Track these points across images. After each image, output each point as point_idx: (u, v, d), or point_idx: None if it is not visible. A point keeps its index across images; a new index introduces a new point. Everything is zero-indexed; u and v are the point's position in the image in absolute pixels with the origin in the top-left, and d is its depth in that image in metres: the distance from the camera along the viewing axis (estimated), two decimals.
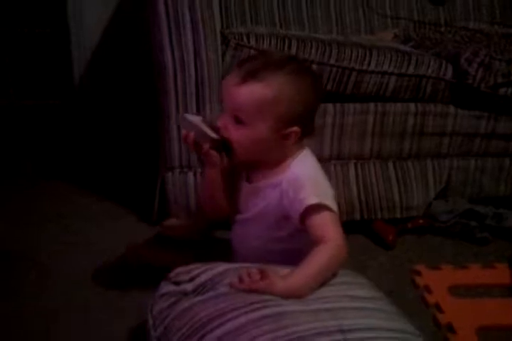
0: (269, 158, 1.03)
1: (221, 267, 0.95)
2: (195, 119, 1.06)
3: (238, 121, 0.98)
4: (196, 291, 0.92)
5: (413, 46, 1.73)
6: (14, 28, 2.18)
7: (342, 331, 0.77)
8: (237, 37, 1.38)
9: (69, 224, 1.52)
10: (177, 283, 0.95)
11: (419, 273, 1.40)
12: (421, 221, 1.58)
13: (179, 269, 0.98)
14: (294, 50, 1.39)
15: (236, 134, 0.99)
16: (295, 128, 0.99)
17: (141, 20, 1.96)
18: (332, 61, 1.42)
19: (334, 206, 0.98)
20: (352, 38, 1.73)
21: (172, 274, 0.97)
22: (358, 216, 1.55)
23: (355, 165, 1.55)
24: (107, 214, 1.58)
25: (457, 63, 1.49)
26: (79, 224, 1.52)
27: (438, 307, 1.27)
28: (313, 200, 0.95)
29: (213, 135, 1.01)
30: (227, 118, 1.00)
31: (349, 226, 1.54)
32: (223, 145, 1.02)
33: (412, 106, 1.52)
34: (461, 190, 1.63)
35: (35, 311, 1.16)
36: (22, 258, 1.35)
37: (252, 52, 1.37)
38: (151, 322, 0.91)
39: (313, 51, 1.41)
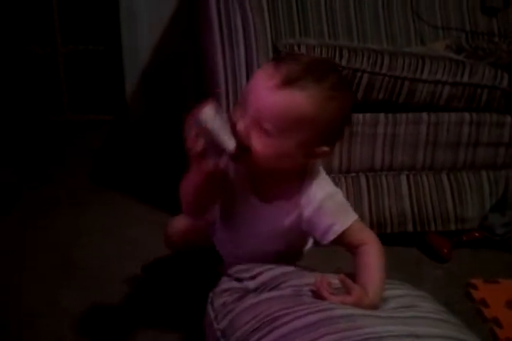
0: (287, 172, 0.93)
1: (281, 268, 0.96)
2: (214, 121, 0.84)
3: (262, 127, 0.85)
4: (259, 289, 0.93)
5: (466, 56, 1.69)
6: (69, 44, 2.26)
7: (417, 336, 0.75)
8: (288, 47, 1.39)
9: (126, 234, 1.55)
10: (239, 280, 0.96)
11: (475, 287, 1.36)
12: (476, 234, 1.54)
13: (239, 266, 0.99)
14: (345, 60, 1.38)
15: (257, 142, 0.86)
16: (326, 149, 0.89)
17: (193, 36, 2.02)
18: (384, 70, 1.40)
19: (353, 212, 0.96)
20: (403, 48, 1.71)
21: (232, 271, 0.98)
22: (410, 228, 1.52)
23: (408, 176, 1.52)
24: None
25: None
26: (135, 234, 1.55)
27: (496, 321, 1.23)
28: (344, 226, 0.92)
29: (231, 144, 0.85)
30: (249, 124, 0.86)
31: (402, 238, 1.54)
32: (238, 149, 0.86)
33: (466, 115, 1.49)
34: None
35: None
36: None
37: None
38: (212, 315, 0.92)
39: (364, 60, 1.40)
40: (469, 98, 1.47)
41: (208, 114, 0.84)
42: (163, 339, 1.13)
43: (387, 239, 1.49)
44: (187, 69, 2.14)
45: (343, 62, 1.38)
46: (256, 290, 0.93)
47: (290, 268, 0.97)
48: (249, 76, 1.35)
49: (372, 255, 0.92)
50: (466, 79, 1.45)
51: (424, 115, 1.47)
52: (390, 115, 1.45)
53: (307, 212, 0.94)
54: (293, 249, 1.07)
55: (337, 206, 0.94)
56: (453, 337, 0.79)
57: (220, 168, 0.89)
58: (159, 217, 1.63)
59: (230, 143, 0.85)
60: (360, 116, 1.44)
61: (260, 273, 0.95)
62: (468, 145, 1.51)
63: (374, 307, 0.85)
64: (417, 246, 1.54)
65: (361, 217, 1.46)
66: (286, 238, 1.02)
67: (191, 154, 0.87)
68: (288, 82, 0.82)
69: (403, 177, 1.52)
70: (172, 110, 2.18)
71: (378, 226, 1.51)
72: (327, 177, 0.98)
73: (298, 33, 1.85)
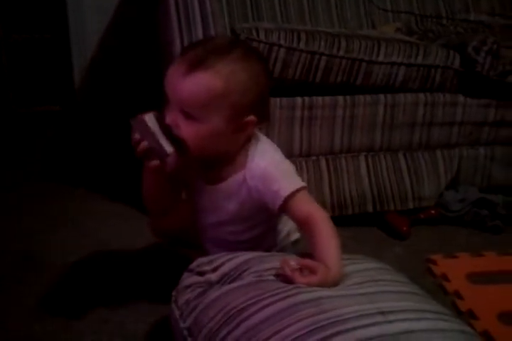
0: (227, 152, 0.96)
1: (242, 257, 0.95)
2: (153, 126, 0.91)
3: (188, 116, 0.89)
4: (222, 281, 0.91)
5: (417, 39, 1.73)
6: (13, 33, 2.17)
7: (382, 313, 0.76)
8: (245, 31, 1.38)
9: (81, 226, 1.51)
10: (201, 274, 0.94)
11: (435, 262, 1.40)
12: (433, 211, 1.59)
13: (200, 259, 0.97)
14: (303, 43, 1.39)
15: (188, 131, 0.89)
16: (251, 118, 0.92)
17: (143, 22, 1.98)
18: (341, 53, 1.42)
19: (300, 180, 0.96)
20: (357, 31, 1.73)
21: (194, 265, 0.96)
22: (370, 208, 1.56)
23: (366, 157, 1.55)
24: (118, 215, 1.58)
25: (464, 52, 1.50)
26: (91, 225, 1.52)
27: (458, 294, 1.27)
28: (288, 190, 0.93)
29: (169, 148, 0.90)
30: (175, 114, 0.90)
31: (362, 218, 1.57)
32: (176, 144, 0.92)
33: (421, 96, 1.52)
34: (472, 179, 1.64)
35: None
36: (35, 260, 1.34)
37: (262, 46, 1.37)
38: (177, 313, 0.90)
39: (322, 43, 1.41)
40: (424, 79, 1.50)
41: (150, 118, 0.91)
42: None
43: (348, 220, 1.54)
44: (136, 56, 2.10)
45: (301, 45, 1.39)
46: (219, 282, 0.91)
47: (252, 255, 0.95)
48: None
49: (321, 224, 0.91)
50: (420, 60, 1.48)
51: (381, 96, 1.50)
52: (348, 97, 1.47)
53: (253, 182, 0.95)
54: (258, 234, 1.07)
55: (281, 173, 0.95)
56: (419, 309, 0.81)
57: (162, 166, 0.93)
58: (114, 207, 1.62)
59: (167, 147, 0.90)
60: (320, 99, 1.45)
61: (222, 264, 0.93)
62: (423, 125, 1.55)
63: (338, 279, 0.86)
64: (377, 225, 1.57)
65: (322, 199, 1.51)
66: (247, 221, 1.03)
67: (137, 155, 0.93)
68: (193, 65, 0.87)
69: (362, 159, 1.55)
70: (122, 99, 2.14)
71: (339, 208, 1.53)
72: (273, 147, 0.99)
73: (251, 18, 1.84)
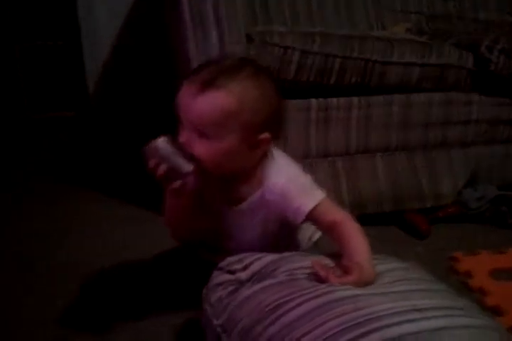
0: (243, 169, 0.96)
1: (271, 256, 0.96)
2: (167, 149, 0.91)
3: (201, 134, 0.90)
4: (252, 279, 0.92)
5: (428, 39, 1.74)
6: (26, 40, 2.19)
7: (417, 310, 0.77)
8: (260, 35, 1.39)
9: (96, 229, 1.52)
10: (231, 272, 0.95)
11: (457, 260, 1.40)
12: (451, 209, 1.59)
13: (230, 258, 0.98)
14: (317, 46, 1.40)
15: (202, 149, 0.90)
16: (265, 135, 0.92)
17: (156, 26, 2.00)
18: (355, 54, 1.43)
19: (319, 192, 0.97)
20: (368, 32, 1.74)
21: (224, 264, 0.97)
22: (388, 207, 1.56)
23: (382, 157, 1.55)
24: (133, 219, 1.59)
25: (477, 51, 1.51)
26: (107, 228, 1.53)
27: (482, 291, 1.27)
28: (309, 206, 0.95)
29: (188, 166, 0.91)
30: (188, 134, 0.91)
31: (380, 218, 1.57)
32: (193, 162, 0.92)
33: (435, 96, 1.53)
34: (489, 177, 1.64)
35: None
36: (47, 263, 1.35)
37: (277, 49, 1.38)
38: (210, 311, 0.91)
39: (336, 45, 1.42)
40: (437, 78, 1.51)
41: (162, 143, 0.91)
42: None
43: (367, 219, 1.54)
44: (149, 61, 2.11)
45: (315, 48, 1.40)
46: (249, 280, 0.92)
47: (280, 255, 0.97)
48: None
49: (348, 226, 0.94)
50: (433, 60, 1.49)
51: (396, 97, 1.50)
52: (362, 98, 1.48)
53: (273, 198, 0.97)
54: (283, 244, 1.08)
55: (299, 188, 0.96)
56: (453, 306, 0.82)
57: (185, 186, 0.94)
58: (130, 210, 1.63)
59: (186, 165, 0.90)
60: (335, 100, 1.46)
61: (251, 263, 0.94)
62: (438, 125, 1.56)
63: (372, 278, 0.87)
64: (396, 224, 1.57)
65: (340, 199, 1.51)
66: (273, 234, 1.05)
67: (157, 179, 0.93)
68: (206, 85, 0.88)
69: (378, 159, 1.55)
70: (135, 104, 2.16)
71: (357, 208, 1.53)
72: (288, 161, 1.00)
73: (261, 22, 1.86)
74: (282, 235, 1.07)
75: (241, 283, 0.92)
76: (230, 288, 0.91)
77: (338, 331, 0.74)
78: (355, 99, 1.48)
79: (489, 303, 1.22)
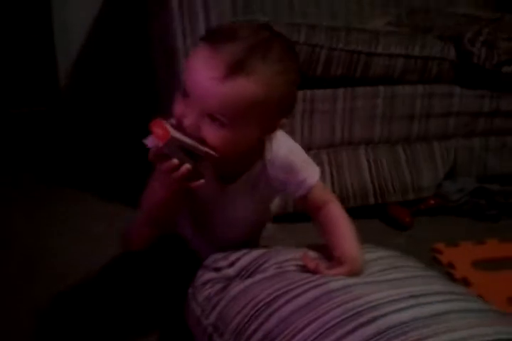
0: (248, 153, 0.90)
1: (257, 250, 0.95)
2: (175, 134, 0.80)
3: (214, 119, 0.80)
4: (240, 275, 0.91)
5: (410, 32, 1.74)
6: None
7: (414, 296, 0.77)
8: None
9: (77, 224, 1.49)
10: (217, 270, 0.93)
11: (439, 252, 1.42)
12: (432, 201, 1.60)
13: (214, 256, 0.96)
14: (303, 36, 1.39)
15: (214, 135, 0.81)
16: (284, 121, 0.87)
17: (131, 18, 1.96)
18: (341, 45, 1.42)
19: (316, 165, 0.95)
20: (351, 24, 1.74)
21: (208, 261, 0.95)
22: (372, 200, 1.56)
23: (366, 150, 1.56)
24: (112, 213, 1.55)
25: (460, 44, 1.52)
26: (87, 222, 1.49)
27: (466, 281, 1.29)
28: (313, 180, 0.93)
29: (205, 150, 0.82)
30: (196, 115, 0.80)
31: (364, 211, 1.57)
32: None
33: (419, 87, 1.54)
34: (468, 169, 1.66)
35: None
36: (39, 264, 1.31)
37: None
38: (198, 310, 0.89)
39: (322, 36, 1.41)
40: (421, 70, 1.52)
41: (173, 132, 0.79)
42: None
43: (350, 212, 1.54)
44: (123, 54, 2.07)
45: (302, 38, 1.39)
46: (237, 276, 0.90)
47: (266, 250, 0.96)
48: None
49: (338, 213, 0.93)
50: (417, 51, 1.50)
51: (381, 88, 1.51)
52: (348, 89, 1.48)
53: (273, 171, 0.92)
54: (264, 215, 1.07)
55: (302, 161, 0.93)
56: (448, 291, 0.82)
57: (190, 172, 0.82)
58: (108, 207, 1.59)
59: (202, 147, 0.81)
60: (320, 92, 1.46)
61: (238, 259, 0.93)
62: (421, 117, 1.57)
63: (362, 267, 0.87)
64: (378, 217, 1.58)
65: None
66: (261, 208, 1.02)
67: (178, 180, 0.82)
68: (233, 70, 0.77)
69: (361, 151, 1.55)
70: (109, 98, 2.11)
71: (341, 201, 1.47)
72: (284, 134, 0.94)
73: (240, 10, 1.83)
74: (267, 206, 1.05)
75: (229, 280, 0.90)
76: (218, 286, 0.89)
77: (339, 321, 0.74)
78: (340, 91, 1.47)
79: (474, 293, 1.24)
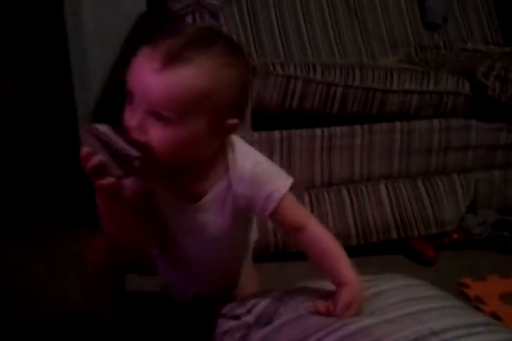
0: (198, 159, 0.82)
1: (270, 294, 0.92)
2: (108, 132, 0.76)
3: (160, 117, 0.74)
4: (259, 321, 0.88)
5: (422, 68, 1.77)
6: (15, 81, 2.17)
7: (434, 333, 0.75)
8: (263, 66, 1.41)
9: None
10: (236, 317, 0.91)
11: (466, 286, 1.39)
12: (455, 235, 1.59)
13: (231, 304, 0.94)
14: (319, 75, 1.42)
15: (158, 135, 0.75)
16: (235, 121, 0.80)
17: None
18: (356, 83, 1.44)
19: (288, 176, 0.87)
20: (363, 63, 1.77)
21: (226, 310, 0.93)
22: (394, 235, 1.56)
23: (386, 184, 1.56)
24: None
25: (473, 78, 1.54)
26: None
27: (495, 316, 1.26)
28: (282, 192, 0.84)
29: (134, 152, 0.74)
30: (141, 116, 0.75)
31: (386, 247, 1.56)
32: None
33: (435, 122, 1.55)
34: (489, 201, 1.65)
35: None
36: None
37: (280, 79, 1.39)
38: None
39: (337, 74, 1.43)
40: (436, 105, 1.53)
41: (101, 126, 0.77)
42: None
43: (373, 248, 1.54)
44: None
45: (318, 77, 1.42)
46: (256, 323, 0.88)
47: (278, 293, 0.92)
48: None
49: (322, 235, 0.85)
50: (432, 87, 1.51)
51: (397, 124, 1.52)
52: (365, 126, 1.49)
53: (240, 188, 0.85)
54: (239, 245, 1.00)
55: (269, 173, 0.86)
56: (469, 323, 0.79)
57: (120, 182, 0.78)
58: None
59: (131, 150, 0.74)
60: (338, 129, 1.47)
61: (254, 306, 0.91)
62: (439, 151, 1.57)
63: (362, 287, 0.83)
64: (402, 253, 1.57)
65: (346, 228, 1.50)
66: (232, 232, 0.92)
67: (87, 173, 0.77)
68: (171, 59, 0.72)
69: (382, 186, 1.56)
70: None
71: (364, 236, 1.53)
72: (248, 146, 0.89)
73: (254, 53, 1.87)
74: (240, 234, 0.96)
75: (249, 327, 0.88)
76: (239, 334, 0.88)
77: None
78: (357, 127, 1.49)
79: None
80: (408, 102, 1.50)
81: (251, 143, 1.39)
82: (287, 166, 1.45)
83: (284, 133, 1.44)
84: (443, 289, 1.36)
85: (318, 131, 1.46)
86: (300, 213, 0.87)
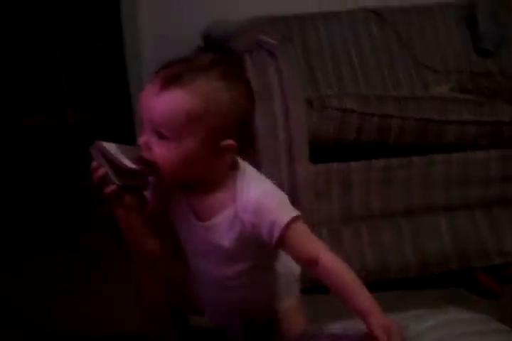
0: (205, 179, 0.88)
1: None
2: (111, 147, 0.86)
3: (161, 136, 0.83)
4: None
5: (475, 97, 1.76)
6: (77, 113, 2.24)
7: None
8: (318, 99, 1.43)
9: None
10: None
11: None
12: None
13: None
14: (374, 107, 1.43)
15: (159, 151, 0.83)
16: (230, 142, 0.84)
17: None
18: (412, 114, 1.44)
19: (295, 210, 0.87)
20: (415, 93, 1.78)
21: None
22: (454, 266, 1.53)
23: (444, 215, 1.54)
24: None
25: None
26: None
27: None
28: (285, 219, 0.84)
29: (129, 164, 0.84)
30: (148, 136, 0.84)
31: (447, 279, 1.54)
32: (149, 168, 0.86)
33: (492, 152, 1.53)
34: None
35: None
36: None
37: (336, 112, 1.41)
38: None
39: (391, 106, 1.44)
40: (493, 135, 1.52)
41: (109, 144, 0.87)
42: None
43: (433, 281, 1.52)
44: None
45: (373, 109, 1.43)
46: None
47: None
48: (285, 127, 1.38)
49: (337, 269, 0.83)
50: (487, 117, 1.50)
51: (454, 155, 1.51)
52: (422, 157, 1.49)
53: (246, 216, 0.87)
54: (258, 280, 0.97)
55: (275, 202, 0.87)
56: None
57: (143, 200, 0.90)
58: None
59: (128, 162, 0.84)
60: (395, 160, 1.47)
61: None
62: (497, 181, 1.55)
63: (385, 316, 0.78)
64: (463, 286, 1.54)
65: (404, 259, 1.49)
66: (245, 261, 0.93)
67: (94, 182, 0.87)
68: (168, 82, 0.81)
69: (441, 217, 1.54)
70: None
71: (423, 268, 1.51)
72: (261, 176, 0.92)
73: (308, 85, 1.90)
74: (258, 264, 0.94)
75: None
76: None
77: None
78: (414, 158, 1.49)
79: None
80: (465, 133, 1.49)
81: (309, 175, 1.43)
82: (345, 198, 1.46)
83: (341, 165, 1.45)
84: (508, 324, 1.35)
85: (374, 162, 1.46)
86: (311, 245, 0.85)
